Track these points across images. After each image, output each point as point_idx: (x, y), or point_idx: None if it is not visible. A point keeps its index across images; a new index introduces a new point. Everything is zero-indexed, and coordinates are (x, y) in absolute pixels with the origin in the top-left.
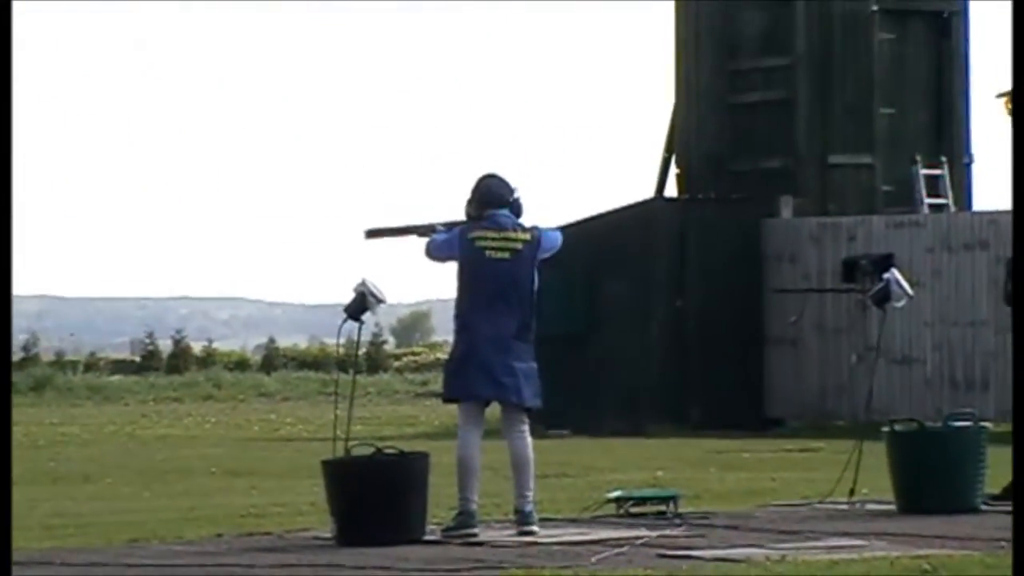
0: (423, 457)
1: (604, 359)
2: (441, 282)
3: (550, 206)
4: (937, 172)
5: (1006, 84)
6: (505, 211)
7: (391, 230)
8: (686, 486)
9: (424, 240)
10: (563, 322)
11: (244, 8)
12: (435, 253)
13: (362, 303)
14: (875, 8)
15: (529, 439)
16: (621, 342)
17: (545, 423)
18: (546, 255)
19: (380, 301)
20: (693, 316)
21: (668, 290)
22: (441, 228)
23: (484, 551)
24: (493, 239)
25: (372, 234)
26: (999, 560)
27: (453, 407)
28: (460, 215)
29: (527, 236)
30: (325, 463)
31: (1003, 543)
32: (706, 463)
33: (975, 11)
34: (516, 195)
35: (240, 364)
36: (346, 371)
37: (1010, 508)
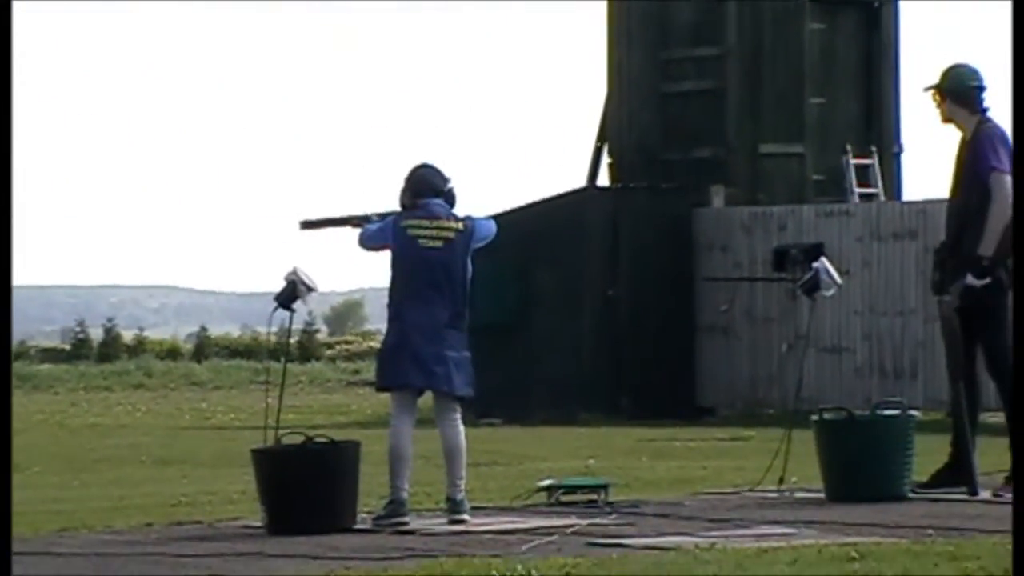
0: (354, 445)
1: (536, 348)
2: (374, 271)
3: (483, 195)
4: (867, 162)
5: (934, 76)
6: (439, 200)
7: (326, 221)
8: (617, 475)
9: (358, 230)
10: (495, 311)
11: None
12: (368, 243)
13: (293, 292)
14: None
15: (461, 428)
16: (553, 331)
17: (477, 412)
18: (480, 244)
19: (311, 290)
20: (625, 305)
21: (600, 279)
22: (376, 218)
23: (415, 539)
24: (426, 228)
25: (307, 225)
26: (926, 547)
27: (385, 395)
28: (395, 205)
29: (460, 225)
30: (255, 451)
31: (930, 531)
32: (637, 452)
33: (905, 2)
34: (450, 185)
35: (171, 353)
36: (278, 360)
37: (938, 495)
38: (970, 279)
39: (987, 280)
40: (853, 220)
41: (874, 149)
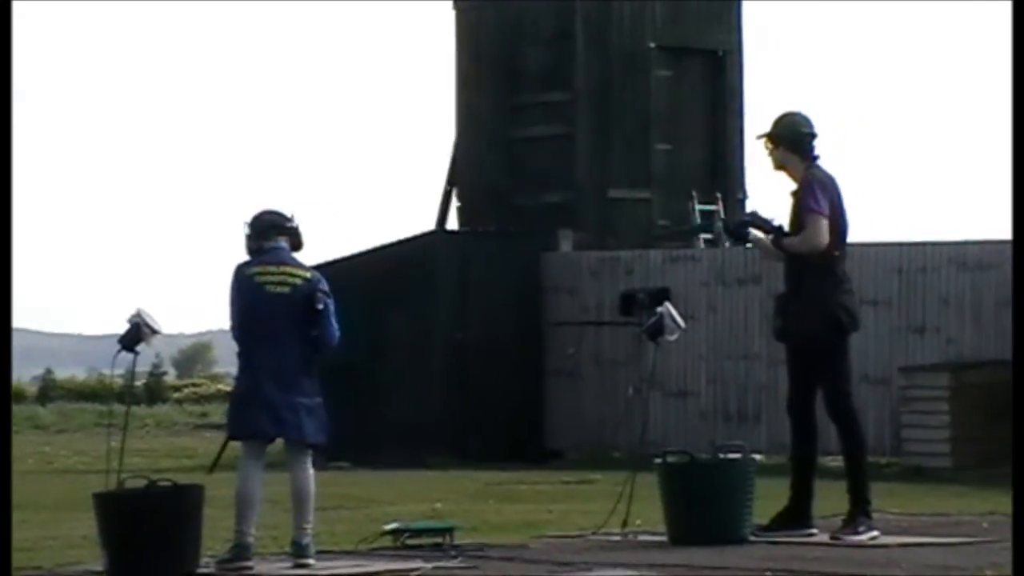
0: (197, 489)
1: (384, 391)
2: (223, 313)
3: (332, 237)
4: (712, 208)
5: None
6: (283, 244)
7: None
8: (464, 518)
9: None
10: (343, 353)
11: None
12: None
13: (137, 334)
14: (653, 45)
15: (311, 473)
16: (402, 374)
17: (326, 455)
18: (319, 330)
19: (155, 332)
20: (473, 348)
21: (449, 322)
22: None
23: None
24: (273, 274)
25: None
26: None
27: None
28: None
29: (307, 273)
30: (96, 496)
31: (769, 573)
32: (484, 495)
33: (749, 50)
34: (294, 223)
35: (15, 395)
36: (124, 402)
37: (777, 539)
38: (717, 228)
39: (747, 237)
40: (699, 265)
41: (719, 195)
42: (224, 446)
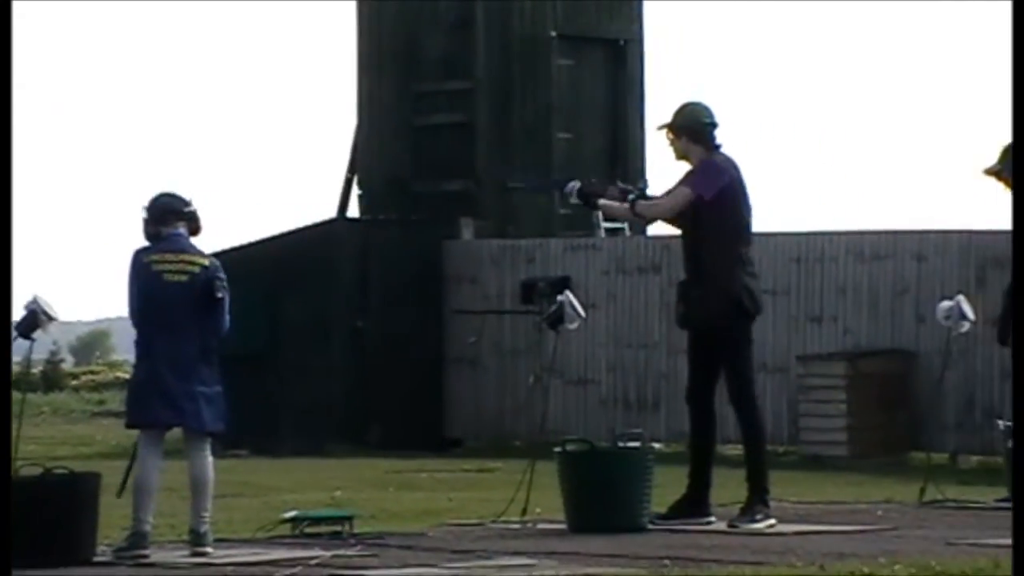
0: (93, 477)
1: (284, 379)
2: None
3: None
4: (621, 205)
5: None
6: (182, 230)
7: None
8: (363, 506)
9: None
10: (243, 341)
11: None
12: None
13: (33, 321)
14: (554, 34)
15: (210, 460)
16: (302, 362)
17: (224, 443)
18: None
19: (51, 319)
20: (374, 336)
21: (349, 310)
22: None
23: (155, 572)
24: (171, 262)
25: None
26: None
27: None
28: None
29: (205, 261)
30: None
31: (666, 561)
32: (384, 483)
33: (651, 39)
34: (192, 208)
35: None
36: (20, 390)
37: (675, 527)
38: (571, 188)
39: (578, 198)
40: (599, 254)
41: (620, 184)
42: (129, 468)
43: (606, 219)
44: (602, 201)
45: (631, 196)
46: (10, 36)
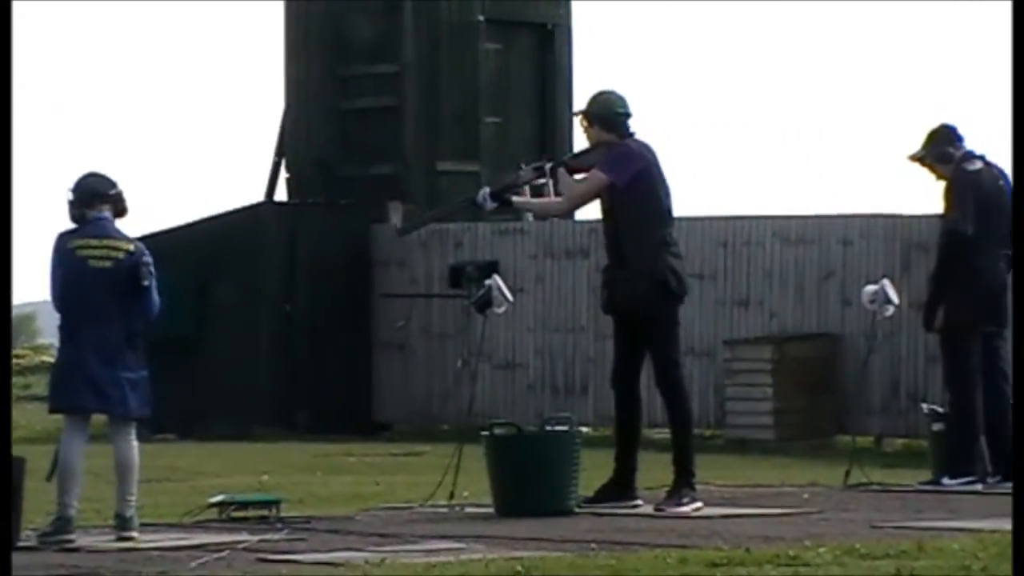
0: (18, 462)
1: (212, 363)
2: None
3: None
4: (541, 181)
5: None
6: (107, 214)
7: None
8: (291, 490)
9: None
10: (171, 325)
11: None
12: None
13: None
14: (481, 18)
15: (135, 444)
16: (230, 346)
17: (151, 427)
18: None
19: None
20: (302, 320)
21: (278, 294)
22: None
23: (81, 557)
24: (95, 247)
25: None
26: (589, 561)
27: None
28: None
29: (130, 246)
30: None
31: (593, 544)
32: (312, 467)
33: (579, 24)
34: (117, 189)
35: None
36: None
37: (603, 511)
38: (483, 197)
39: (494, 201)
40: (527, 238)
41: (548, 155)
42: (57, 453)
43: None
44: (516, 199)
45: (548, 165)
46: (9, 36)
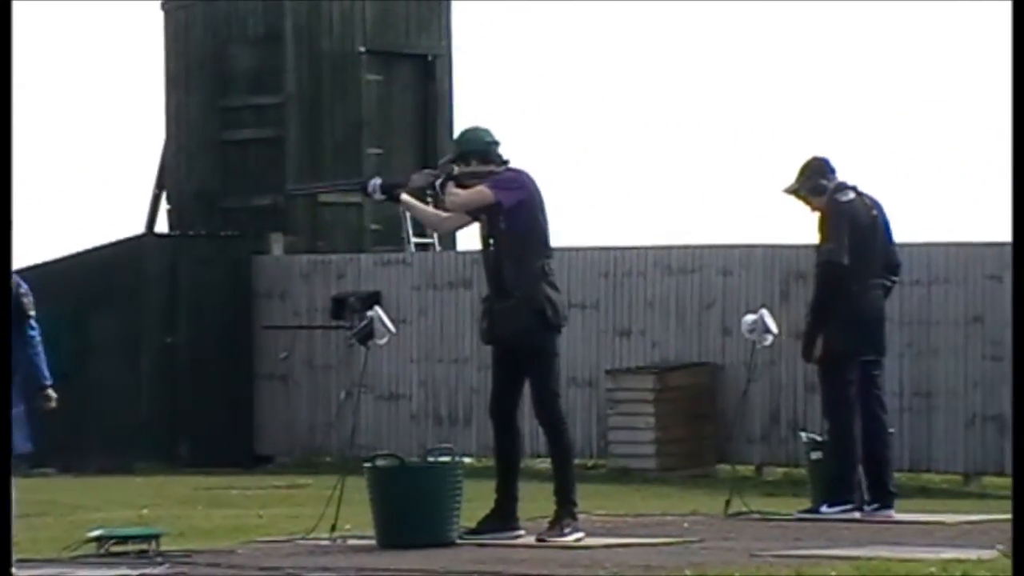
0: None
1: (92, 396)
2: None
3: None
4: (429, 193)
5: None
6: None
7: None
8: (172, 524)
9: None
10: (49, 359)
11: None
12: None
13: None
14: (362, 49)
15: (11, 482)
16: (109, 379)
17: (30, 462)
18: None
19: None
20: (183, 352)
21: (158, 326)
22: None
23: None
24: None
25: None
26: None
27: None
28: None
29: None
30: None
31: (476, 575)
32: (194, 500)
33: (459, 54)
34: None
35: None
36: None
37: (485, 541)
38: (373, 186)
39: (383, 193)
40: (410, 269)
41: (427, 170)
42: None
43: (415, 230)
44: (404, 196)
45: (439, 180)
46: (9, 36)
